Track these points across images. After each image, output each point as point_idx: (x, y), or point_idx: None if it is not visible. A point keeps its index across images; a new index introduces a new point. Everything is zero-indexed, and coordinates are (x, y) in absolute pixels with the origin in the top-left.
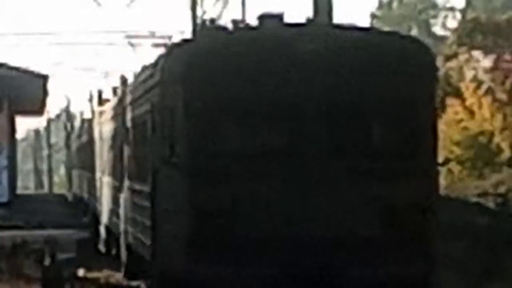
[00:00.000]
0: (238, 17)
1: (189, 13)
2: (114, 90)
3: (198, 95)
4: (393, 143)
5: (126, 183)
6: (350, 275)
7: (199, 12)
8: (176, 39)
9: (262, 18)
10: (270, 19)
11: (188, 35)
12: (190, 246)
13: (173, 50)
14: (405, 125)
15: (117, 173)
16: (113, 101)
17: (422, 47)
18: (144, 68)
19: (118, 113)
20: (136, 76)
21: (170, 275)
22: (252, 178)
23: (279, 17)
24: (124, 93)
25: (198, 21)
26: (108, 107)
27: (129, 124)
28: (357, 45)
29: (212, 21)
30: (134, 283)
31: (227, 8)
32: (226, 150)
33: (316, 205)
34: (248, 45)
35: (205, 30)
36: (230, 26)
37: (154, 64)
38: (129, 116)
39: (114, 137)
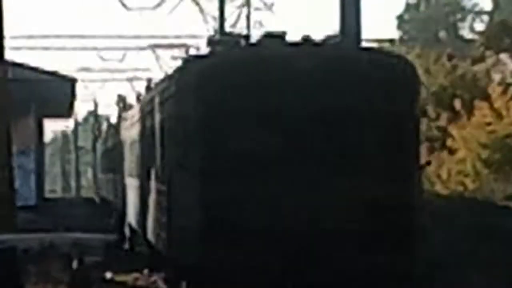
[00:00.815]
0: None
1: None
2: (138, 97)
3: (208, 106)
4: (377, 148)
5: (147, 184)
6: (340, 263)
7: (211, 23)
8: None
9: (266, 36)
10: (273, 38)
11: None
12: (201, 237)
13: (187, 65)
14: (388, 131)
15: (140, 175)
16: (137, 106)
17: (405, 64)
18: (163, 79)
19: (141, 119)
20: (156, 85)
21: (184, 264)
22: (252, 178)
23: (281, 36)
24: (145, 100)
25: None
26: (132, 112)
27: (149, 130)
28: (345, 62)
29: (227, 34)
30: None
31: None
32: (231, 154)
33: (306, 202)
34: (251, 62)
35: (217, 44)
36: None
37: (170, 77)
38: (149, 122)
39: (138, 141)
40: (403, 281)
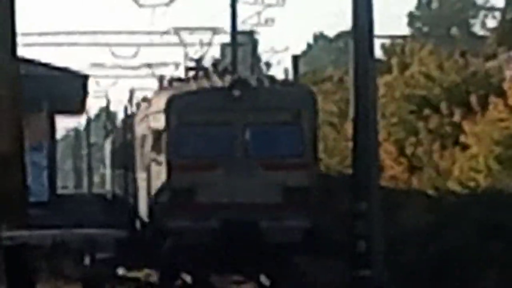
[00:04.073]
0: None
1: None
2: (144, 99)
3: (174, 120)
4: (288, 148)
5: (142, 175)
6: (262, 225)
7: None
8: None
9: (214, 66)
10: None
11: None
12: (169, 209)
13: (161, 91)
14: (295, 136)
15: (142, 169)
16: (144, 105)
17: (308, 90)
18: (148, 98)
19: (142, 121)
20: (144, 101)
21: (158, 227)
22: (205, 170)
23: (225, 69)
24: (141, 111)
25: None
26: (141, 110)
27: (139, 135)
28: (265, 90)
29: (197, 61)
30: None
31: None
32: (189, 153)
33: (243, 185)
34: (203, 91)
35: (190, 70)
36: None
37: (150, 99)
38: (141, 128)
39: (142, 139)
40: None
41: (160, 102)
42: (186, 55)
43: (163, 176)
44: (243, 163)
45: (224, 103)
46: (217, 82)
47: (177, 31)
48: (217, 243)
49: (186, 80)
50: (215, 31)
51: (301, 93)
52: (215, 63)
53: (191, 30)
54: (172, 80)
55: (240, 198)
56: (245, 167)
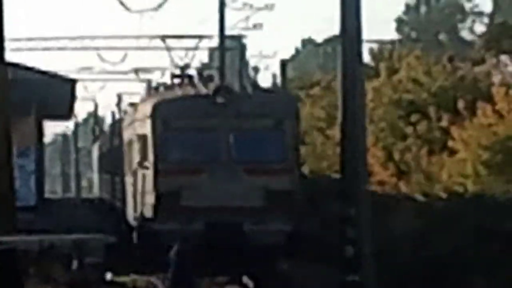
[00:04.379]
0: None
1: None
2: (131, 104)
3: (160, 126)
4: (271, 153)
5: (129, 179)
6: (245, 228)
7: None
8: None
9: (199, 75)
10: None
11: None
12: (154, 212)
13: (147, 97)
14: (277, 142)
15: (130, 174)
16: (131, 111)
17: (290, 98)
18: (135, 104)
19: (128, 126)
20: (131, 106)
21: (145, 229)
22: (190, 174)
23: (210, 77)
24: (128, 117)
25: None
26: (128, 115)
27: (127, 140)
28: (248, 97)
29: (182, 68)
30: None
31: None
32: (174, 158)
33: (227, 189)
34: (188, 97)
35: (176, 77)
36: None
37: (137, 104)
38: (128, 133)
39: (129, 144)
40: None
41: (146, 108)
42: (172, 61)
43: (149, 180)
44: (227, 168)
45: (208, 109)
46: (202, 89)
47: (163, 38)
48: (202, 245)
49: (171, 86)
50: (201, 38)
51: (284, 100)
52: (200, 71)
53: (177, 38)
54: (158, 87)
55: (225, 201)
56: (229, 171)
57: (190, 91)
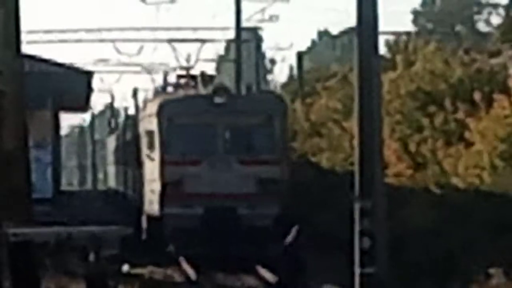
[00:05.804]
0: None
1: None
2: (145, 100)
3: (165, 122)
4: (262, 146)
5: (141, 170)
6: (239, 212)
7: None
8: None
9: (201, 77)
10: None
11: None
12: (161, 198)
13: (154, 97)
14: (268, 136)
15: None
16: (143, 107)
17: (279, 98)
18: (146, 100)
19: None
20: (143, 102)
21: (151, 215)
22: (191, 165)
23: (211, 78)
24: (141, 111)
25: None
26: (141, 111)
27: (141, 133)
28: (243, 97)
29: (187, 69)
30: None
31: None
32: (178, 150)
33: (223, 178)
34: (189, 97)
35: (181, 78)
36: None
37: (146, 102)
38: (141, 127)
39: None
40: None
41: (153, 107)
42: (177, 60)
43: (156, 171)
44: (223, 159)
45: (207, 108)
46: (202, 90)
47: (169, 41)
48: (202, 227)
49: (176, 86)
50: (203, 42)
51: (274, 100)
52: (202, 73)
53: (182, 42)
54: (165, 87)
55: (221, 188)
56: (225, 162)
57: (192, 91)
